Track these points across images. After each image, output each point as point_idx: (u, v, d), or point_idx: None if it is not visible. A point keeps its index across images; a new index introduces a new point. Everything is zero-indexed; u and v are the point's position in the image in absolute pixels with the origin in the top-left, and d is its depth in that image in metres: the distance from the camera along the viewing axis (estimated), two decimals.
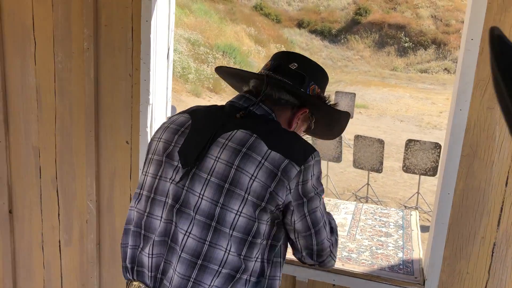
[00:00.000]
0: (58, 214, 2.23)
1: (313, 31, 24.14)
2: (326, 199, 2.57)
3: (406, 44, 22.40)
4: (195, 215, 1.09)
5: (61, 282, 2.32)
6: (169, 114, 2.12)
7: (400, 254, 1.89)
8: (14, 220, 2.32)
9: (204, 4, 19.98)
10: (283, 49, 20.41)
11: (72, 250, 2.25)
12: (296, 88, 1.23)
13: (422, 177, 6.05)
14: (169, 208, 1.12)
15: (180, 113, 1.26)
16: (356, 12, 24.38)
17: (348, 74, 20.27)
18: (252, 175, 1.06)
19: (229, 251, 1.07)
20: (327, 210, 1.26)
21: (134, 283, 1.19)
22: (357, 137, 5.99)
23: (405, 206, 6.21)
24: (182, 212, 1.10)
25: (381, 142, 5.91)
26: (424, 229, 3.73)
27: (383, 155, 5.93)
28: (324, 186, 1.21)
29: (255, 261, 1.11)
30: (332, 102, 1.31)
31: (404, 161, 5.88)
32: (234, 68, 1.33)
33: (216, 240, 1.08)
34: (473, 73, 1.52)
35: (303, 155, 1.11)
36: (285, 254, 1.23)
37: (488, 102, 1.53)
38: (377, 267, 1.77)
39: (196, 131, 1.16)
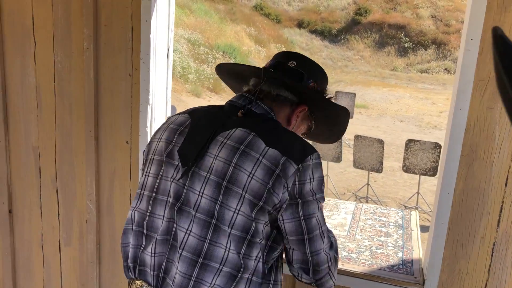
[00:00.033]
0: (58, 214, 2.23)
1: (313, 31, 24.15)
2: (326, 199, 2.57)
3: (406, 44, 22.41)
4: (195, 213, 1.09)
5: (61, 282, 2.32)
6: (169, 114, 2.12)
7: (400, 254, 1.89)
8: (14, 220, 2.32)
9: (204, 4, 19.98)
10: (283, 49, 20.41)
11: (72, 250, 2.25)
12: (294, 80, 1.23)
13: (422, 177, 6.05)
14: (170, 206, 1.13)
15: (179, 113, 1.26)
16: (356, 12, 24.39)
17: (348, 74, 20.27)
18: (250, 173, 1.07)
19: (229, 249, 1.07)
20: (329, 228, 1.22)
21: (137, 282, 1.19)
22: (357, 137, 5.99)
23: (405, 206, 6.21)
24: (182, 211, 1.11)
25: (381, 142, 5.91)
26: (424, 229, 3.74)
27: (383, 155, 5.93)
28: (324, 187, 1.18)
29: (257, 261, 1.11)
30: (330, 95, 1.31)
31: (404, 161, 5.88)
32: (233, 63, 1.33)
33: (216, 238, 1.08)
34: (472, 73, 1.52)
35: (302, 154, 1.10)
36: None
37: (488, 102, 1.53)
38: (377, 267, 1.77)
39: (196, 130, 1.16)
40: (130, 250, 1.20)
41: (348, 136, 8.39)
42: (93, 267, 2.20)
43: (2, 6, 2.07)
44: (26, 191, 2.26)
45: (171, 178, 1.14)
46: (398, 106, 14.80)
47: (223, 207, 1.07)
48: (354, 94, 9.64)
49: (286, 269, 1.26)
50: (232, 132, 1.12)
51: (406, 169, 5.89)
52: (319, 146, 5.88)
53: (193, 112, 1.23)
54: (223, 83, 1.50)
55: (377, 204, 5.89)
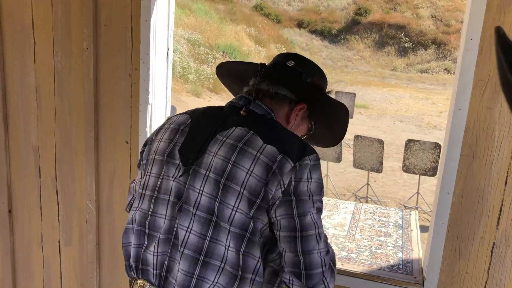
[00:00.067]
0: (58, 214, 2.23)
1: (313, 31, 24.15)
2: (326, 199, 2.57)
3: (406, 44, 22.41)
4: (196, 211, 1.10)
5: (61, 282, 2.32)
6: (168, 114, 2.12)
7: (400, 254, 1.89)
8: (13, 220, 2.32)
9: (204, 4, 19.98)
10: (283, 49, 20.42)
11: (72, 250, 2.25)
12: (293, 78, 1.23)
13: (422, 177, 6.05)
14: (172, 205, 1.13)
15: (179, 114, 1.27)
16: (356, 12, 24.39)
17: (348, 74, 20.27)
18: (248, 170, 1.07)
19: (228, 247, 1.07)
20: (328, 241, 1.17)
21: (139, 281, 1.19)
22: (357, 137, 5.99)
23: (405, 206, 6.21)
24: (183, 209, 1.11)
25: (381, 142, 5.91)
26: (424, 229, 3.74)
27: (383, 155, 5.93)
28: (324, 186, 1.16)
29: (260, 261, 1.10)
30: (328, 90, 1.31)
31: (404, 161, 5.88)
32: (232, 61, 1.34)
33: (216, 235, 1.08)
34: (472, 73, 1.52)
35: (300, 152, 1.09)
36: None
37: (488, 102, 1.53)
38: (377, 267, 1.77)
39: (196, 129, 1.17)
40: (132, 250, 1.21)
41: (348, 136, 8.37)
42: (92, 267, 2.20)
43: (2, 6, 2.08)
44: (26, 191, 2.26)
45: (172, 177, 1.14)
46: (398, 106, 14.81)
47: (222, 205, 1.08)
48: (354, 94, 9.64)
49: None
50: (231, 131, 1.13)
51: (406, 169, 5.89)
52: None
53: (193, 113, 1.24)
54: None
55: (377, 204, 5.89)
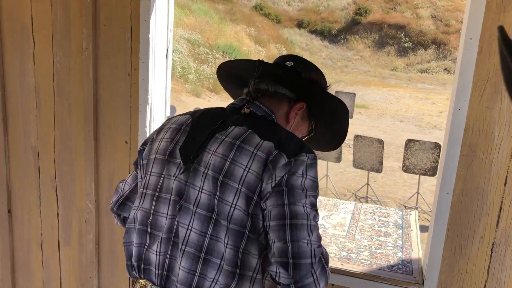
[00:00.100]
0: (57, 214, 2.23)
1: (313, 31, 24.16)
2: (326, 199, 2.57)
3: (406, 44, 22.42)
4: (196, 209, 1.10)
5: (60, 282, 2.32)
6: (168, 114, 2.12)
7: (399, 254, 1.89)
8: (13, 220, 2.32)
9: (204, 4, 19.99)
10: (283, 49, 20.43)
11: (71, 250, 2.25)
12: (291, 73, 1.23)
13: (422, 177, 6.05)
14: (173, 204, 1.14)
15: (180, 114, 1.28)
16: (356, 12, 24.40)
17: (348, 74, 20.28)
18: (246, 166, 1.07)
19: (227, 244, 1.07)
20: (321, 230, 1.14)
21: (141, 281, 1.20)
22: (356, 137, 5.99)
23: (405, 206, 6.21)
24: (183, 207, 1.12)
25: (380, 142, 5.91)
26: (424, 229, 3.74)
27: (382, 155, 5.93)
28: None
29: (261, 259, 1.10)
30: (327, 86, 1.31)
31: (404, 161, 5.88)
32: (232, 60, 1.35)
33: (216, 233, 1.08)
34: (472, 73, 1.52)
35: (296, 149, 1.09)
36: None
37: (487, 102, 1.53)
38: (376, 266, 1.77)
39: (196, 128, 1.18)
40: (134, 249, 1.21)
41: (348, 136, 8.37)
42: (92, 267, 2.20)
43: (1, 6, 2.07)
44: (25, 191, 2.26)
45: (173, 176, 1.15)
46: (398, 106, 14.81)
47: (221, 202, 1.08)
48: (354, 94, 9.64)
49: None
50: (230, 130, 1.14)
51: (406, 169, 5.89)
52: None
53: (194, 113, 1.25)
54: None
55: (377, 204, 5.89)
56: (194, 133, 1.18)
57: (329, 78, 1.35)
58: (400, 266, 1.79)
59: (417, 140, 5.86)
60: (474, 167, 1.57)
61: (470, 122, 1.55)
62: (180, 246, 1.11)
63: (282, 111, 1.25)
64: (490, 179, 1.56)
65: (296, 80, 1.24)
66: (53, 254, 2.29)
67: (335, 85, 16.22)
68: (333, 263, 1.77)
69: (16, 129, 2.20)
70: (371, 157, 5.92)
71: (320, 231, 2.07)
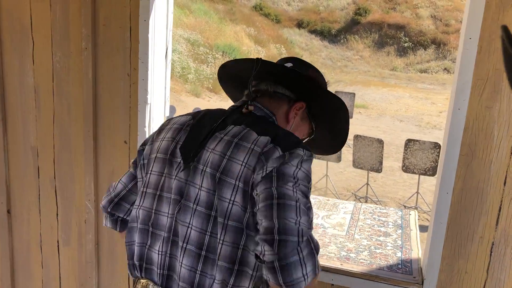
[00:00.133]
0: (57, 214, 2.23)
1: (313, 31, 24.15)
2: (325, 199, 2.56)
3: (405, 44, 22.42)
4: (196, 207, 1.11)
5: (60, 282, 2.32)
6: (167, 114, 2.12)
7: (399, 254, 1.89)
8: (12, 220, 2.32)
9: (204, 4, 19.98)
10: (283, 49, 20.43)
11: (71, 250, 2.25)
12: (291, 73, 1.23)
13: (422, 177, 6.05)
14: (174, 203, 1.15)
15: (181, 115, 1.29)
16: (356, 12, 24.40)
17: (347, 74, 20.27)
18: (243, 162, 1.08)
19: (223, 241, 1.08)
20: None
21: (142, 281, 1.20)
22: (356, 137, 5.99)
23: (405, 206, 6.22)
24: (183, 205, 1.13)
25: (380, 142, 5.91)
26: (424, 228, 3.74)
27: (382, 155, 5.93)
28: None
29: None
30: (327, 84, 1.31)
31: (403, 161, 5.88)
32: (233, 60, 1.35)
33: (215, 230, 1.09)
34: (471, 72, 1.52)
35: (292, 144, 1.09)
36: None
37: (487, 101, 1.53)
38: (376, 266, 1.77)
39: (197, 128, 1.19)
40: (136, 248, 1.21)
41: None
42: (91, 267, 2.20)
43: (0, 6, 2.07)
44: (25, 191, 2.26)
45: (174, 175, 1.16)
46: (398, 106, 14.81)
47: (220, 199, 1.09)
48: (354, 94, 9.65)
49: None
50: (229, 128, 1.15)
51: (406, 169, 5.89)
52: None
53: (196, 114, 1.26)
54: None
55: (377, 204, 5.89)
56: (194, 132, 1.19)
57: (328, 78, 1.35)
58: (399, 266, 1.79)
59: (417, 140, 5.86)
60: (473, 167, 1.57)
61: (469, 121, 1.55)
62: (181, 244, 1.12)
63: (282, 111, 1.25)
64: (489, 178, 1.56)
65: (295, 79, 1.24)
66: (53, 254, 2.29)
67: (335, 85, 16.24)
68: (332, 263, 1.77)
69: (15, 129, 2.20)
70: (370, 157, 5.92)
71: (320, 231, 2.08)
